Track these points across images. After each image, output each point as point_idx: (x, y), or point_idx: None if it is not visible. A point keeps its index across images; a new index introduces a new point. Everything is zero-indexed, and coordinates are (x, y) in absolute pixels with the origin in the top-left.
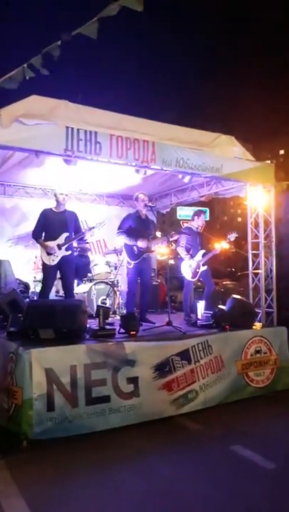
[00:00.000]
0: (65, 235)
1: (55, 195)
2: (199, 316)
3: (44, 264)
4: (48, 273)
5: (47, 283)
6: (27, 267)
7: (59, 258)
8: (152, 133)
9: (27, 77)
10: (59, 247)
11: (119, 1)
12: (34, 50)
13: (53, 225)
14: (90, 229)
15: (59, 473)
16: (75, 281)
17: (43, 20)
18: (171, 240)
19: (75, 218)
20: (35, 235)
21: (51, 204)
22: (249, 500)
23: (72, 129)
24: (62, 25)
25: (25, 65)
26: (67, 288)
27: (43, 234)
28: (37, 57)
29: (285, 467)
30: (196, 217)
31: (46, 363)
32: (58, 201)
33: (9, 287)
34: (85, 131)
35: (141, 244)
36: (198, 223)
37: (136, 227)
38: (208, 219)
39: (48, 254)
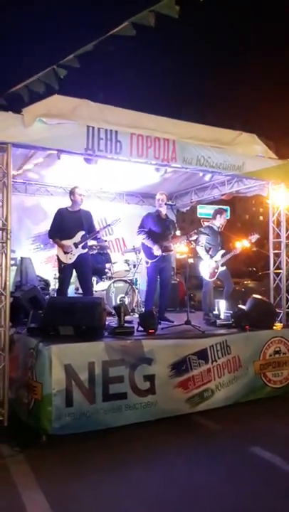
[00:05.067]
0: (81, 233)
1: (74, 194)
2: (222, 316)
3: (61, 263)
4: (65, 271)
5: (64, 281)
6: (48, 264)
7: (76, 256)
8: (173, 131)
9: (61, 77)
10: (75, 245)
11: (154, 7)
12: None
13: (68, 223)
14: (106, 226)
15: (77, 467)
16: (94, 278)
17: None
18: (190, 239)
19: (89, 217)
20: (52, 234)
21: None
22: (268, 502)
23: (93, 128)
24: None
25: (55, 66)
26: (86, 286)
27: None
28: (70, 57)
29: None
30: (218, 215)
31: (65, 359)
32: (75, 201)
33: (30, 284)
34: (106, 130)
35: (156, 251)
36: (220, 222)
37: (156, 228)
38: (228, 217)
39: (65, 253)
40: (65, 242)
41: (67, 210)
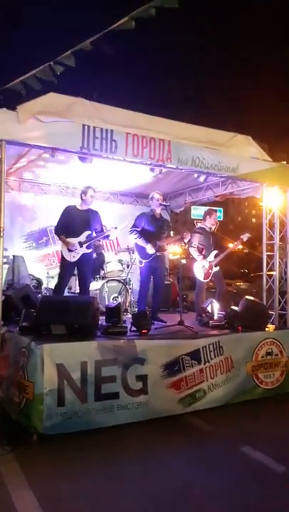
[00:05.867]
0: (86, 233)
1: (86, 194)
2: (215, 317)
3: (64, 260)
4: (67, 269)
5: (64, 279)
6: (40, 262)
7: (79, 255)
8: (168, 132)
9: (58, 73)
10: (80, 244)
11: (155, 2)
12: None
13: (75, 222)
14: (109, 230)
15: (68, 467)
16: None
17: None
18: (185, 241)
19: (97, 217)
20: (58, 230)
21: (66, 201)
22: (259, 502)
23: (89, 126)
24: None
25: (52, 63)
26: (84, 285)
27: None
28: (67, 54)
29: None
30: (207, 216)
31: (58, 358)
32: (85, 200)
33: (22, 282)
34: (101, 129)
35: (150, 250)
36: (210, 222)
37: (150, 227)
38: (221, 219)
39: (70, 250)
40: (71, 240)
41: (75, 208)
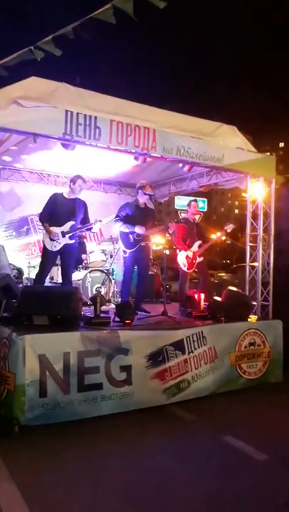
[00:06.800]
0: (70, 223)
1: (74, 183)
2: (202, 308)
3: (45, 249)
4: (48, 258)
5: (45, 268)
6: (21, 252)
7: (61, 245)
8: (154, 120)
9: (38, 59)
10: (63, 234)
11: None
12: (44, 32)
13: (60, 210)
14: (91, 224)
15: (50, 458)
16: None
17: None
18: (170, 232)
19: (84, 207)
20: (43, 217)
21: (47, 189)
22: (240, 490)
23: (72, 112)
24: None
25: (32, 47)
26: (66, 276)
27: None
28: (48, 40)
29: (276, 458)
30: (188, 207)
31: (40, 349)
32: (73, 189)
33: (3, 272)
34: (85, 116)
35: (139, 230)
36: (192, 212)
37: (134, 217)
38: (205, 209)
39: (51, 239)
40: (53, 229)
41: (62, 196)
